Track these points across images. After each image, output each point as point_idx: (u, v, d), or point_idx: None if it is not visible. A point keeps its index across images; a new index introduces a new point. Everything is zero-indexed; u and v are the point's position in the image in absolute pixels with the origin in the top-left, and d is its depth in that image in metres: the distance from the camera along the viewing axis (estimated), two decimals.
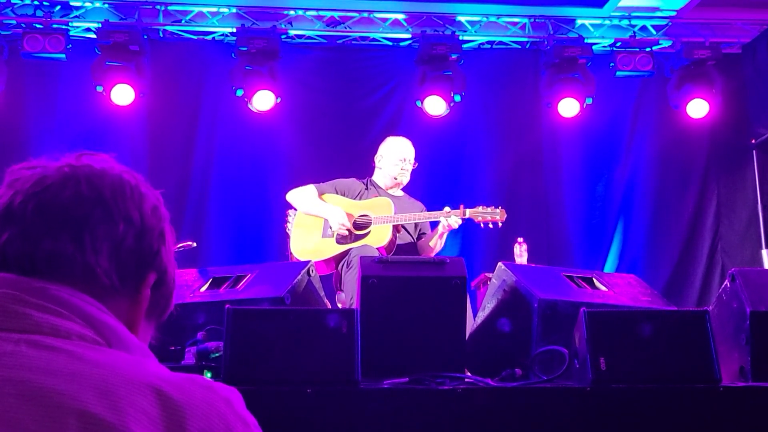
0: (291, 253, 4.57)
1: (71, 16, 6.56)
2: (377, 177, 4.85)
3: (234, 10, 6.68)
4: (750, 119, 7.01)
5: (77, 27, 6.61)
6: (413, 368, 2.53)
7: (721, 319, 2.79)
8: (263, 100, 6.49)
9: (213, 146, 6.79)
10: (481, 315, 3.17)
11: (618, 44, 6.92)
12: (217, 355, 2.51)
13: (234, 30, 6.62)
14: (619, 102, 7.16)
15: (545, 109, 6.96)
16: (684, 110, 6.84)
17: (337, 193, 4.68)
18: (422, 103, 6.66)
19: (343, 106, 6.96)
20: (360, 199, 4.67)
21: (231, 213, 6.70)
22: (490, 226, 4.56)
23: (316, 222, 4.59)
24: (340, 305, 4.32)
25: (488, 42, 7.09)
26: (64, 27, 6.42)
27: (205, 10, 6.69)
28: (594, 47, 6.86)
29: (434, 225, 4.61)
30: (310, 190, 4.67)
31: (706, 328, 2.49)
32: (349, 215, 4.54)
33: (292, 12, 6.78)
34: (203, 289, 3.04)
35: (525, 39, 7.05)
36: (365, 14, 6.84)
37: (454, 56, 6.59)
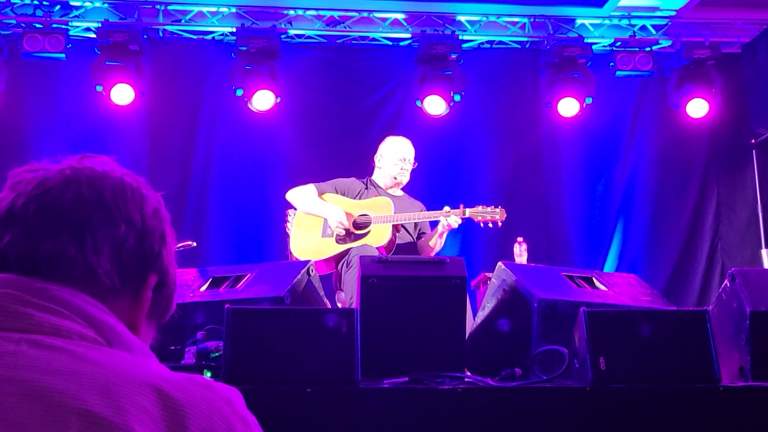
0: (291, 253, 4.57)
1: (71, 15, 6.56)
2: (377, 177, 4.85)
3: (234, 10, 6.68)
4: (750, 119, 7.01)
5: (77, 27, 6.62)
6: (413, 368, 2.53)
7: (721, 319, 2.79)
8: (263, 100, 6.49)
9: (213, 146, 6.79)
10: (481, 315, 3.17)
11: (618, 44, 6.92)
12: (216, 354, 2.51)
13: (234, 30, 6.62)
14: (619, 102, 7.16)
15: (545, 108, 6.96)
16: (684, 110, 6.85)
17: (336, 192, 4.68)
18: (422, 102, 6.66)
19: (343, 106, 6.96)
20: (360, 198, 4.67)
21: (231, 213, 6.70)
22: (490, 225, 4.56)
23: (316, 221, 4.59)
24: (339, 305, 4.32)
25: (488, 42, 7.09)
26: (63, 27, 6.42)
27: (204, 9, 6.69)
28: (594, 47, 6.86)
29: (434, 225, 4.62)
30: (309, 189, 4.67)
31: (706, 327, 2.49)
32: (348, 215, 4.54)
33: (291, 12, 6.78)
34: (203, 288, 3.04)
35: (525, 39, 7.05)
36: (365, 14, 6.84)
37: (453, 56, 6.59)
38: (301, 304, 2.86)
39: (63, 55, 6.31)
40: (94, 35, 6.48)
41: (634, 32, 6.93)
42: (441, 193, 6.36)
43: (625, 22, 6.97)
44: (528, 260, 5.53)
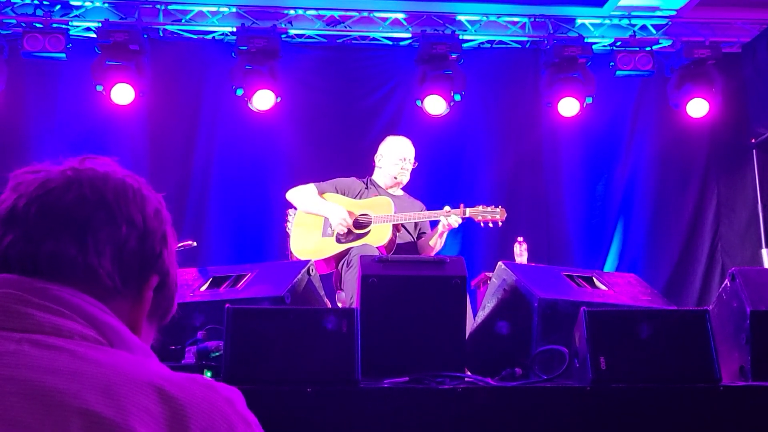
0: (291, 253, 4.57)
1: (71, 15, 6.56)
2: (377, 176, 4.86)
3: (234, 10, 6.68)
4: (750, 119, 7.01)
5: (77, 26, 6.61)
6: (413, 368, 2.53)
7: (721, 319, 2.79)
8: (263, 100, 6.49)
9: (213, 146, 6.79)
10: (481, 314, 3.17)
11: (618, 44, 6.92)
12: (217, 354, 2.51)
13: (234, 29, 6.62)
14: (619, 101, 7.16)
15: (545, 108, 6.95)
16: (684, 110, 6.84)
17: (337, 192, 4.68)
18: (422, 102, 6.66)
19: (343, 106, 6.96)
20: (360, 198, 4.67)
21: (231, 212, 6.70)
22: (490, 225, 4.56)
23: (316, 221, 4.59)
24: (340, 304, 4.33)
25: (488, 41, 7.09)
26: (64, 26, 6.42)
27: (205, 9, 6.69)
28: (594, 47, 6.86)
29: (434, 224, 4.62)
30: (310, 189, 4.68)
31: (706, 327, 2.49)
32: (349, 214, 4.54)
33: (292, 11, 6.78)
34: (203, 288, 3.04)
35: (525, 38, 7.05)
36: (365, 14, 6.84)
37: (454, 55, 6.59)
38: (302, 303, 2.86)
39: (63, 55, 6.31)
40: (94, 35, 6.48)
41: (634, 32, 6.93)
42: (441, 192, 6.36)
43: (625, 21, 6.97)
44: (528, 260, 5.53)
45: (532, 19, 6.90)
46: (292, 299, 2.76)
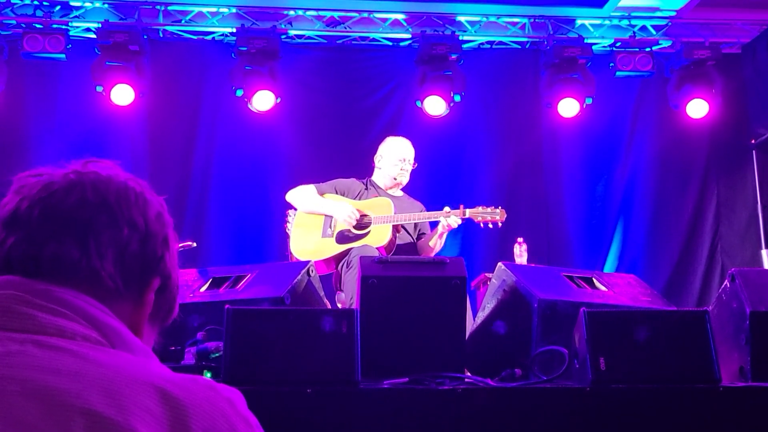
0: (291, 253, 4.57)
1: (71, 16, 6.56)
2: (377, 177, 4.86)
3: (234, 10, 6.68)
4: (750, 119, 7.01)
5: (77, 27, 6.62)
6: (413, 368, 2.53)
7: (720, 319, 2.79)
8: (263, 100, 6.49)
9: (213, 146, 6.79)
10: (481, 315, 3.17)
11: (618, 44, 6.92)
12: (217, 355, 2.51)
13: (234, 30, 6.62)
14: (619, 102, 7.16)
15: (545, 109, 6.95)
16: (684, 110, 6.85)
17: (336, 193, 4.69)
18: (422, 103, 6.66)
19: (343, 107, 6.97)
20: (360, 199, 4.67)
21: (231, 213, 6.70)
22: (490, 226, 4.56)
23: (316, 222, 4.59)
24: (340, 305, 4.33)
25: (488, 42, 7.09)
26: (63, 27, 6.42)
27: (205, 10, 6.69)
28: (594, 47, 6.86)
29: (434, 225, 4.62)
30: (310, 189, 4.68)
31: (705, 328, 2.49)
32: None
33: (292, 12, 6.78)
34: (203, 289, 3.05)
35: (525, 39, 7.05)
36: (365, 14, 6.84)
37: (454, 56, 6.59)
38: (301, 304, 2.86)
39: (63, 56, 6.31)
40: (94, 35, 6.48)
41: (634, 32, 6.93)
42: (441, 193, 6.36)
43: (625, 22, 6.97)
44: (528, 260, 5.53)
45: (532, 20, 6.90)
46: (292, 300, 2.76)
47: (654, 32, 7.02)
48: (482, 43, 7.08)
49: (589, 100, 6.72)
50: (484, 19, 6.91)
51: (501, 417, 2.39)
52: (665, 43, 7.06)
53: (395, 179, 4.78)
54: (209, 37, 6.85)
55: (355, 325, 2.40)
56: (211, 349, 2.54)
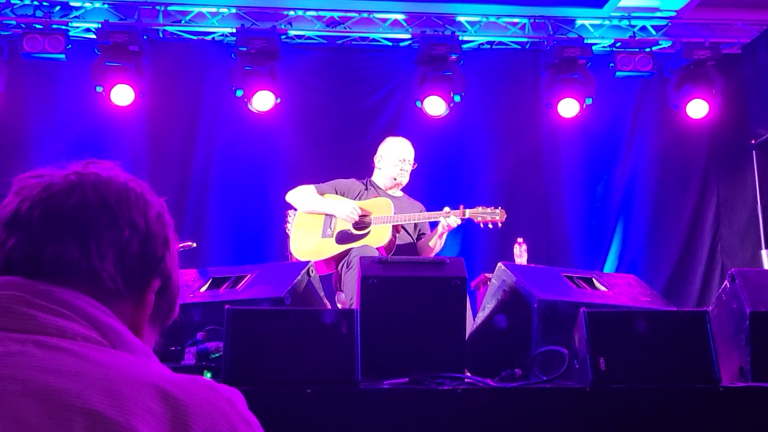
0: (291, 254, 4.57)
1: (71, 16, 6.56)
2: (377, 177, 4.86)
3: (234, 11, 6.68)
4: (750, 119, 7.01)
5: (77, 27, 6.62)
6: (413, 368, 2.53)
7: (720, 320, 2.80)
8: (263, 101, 6.49)
9: (213, 146, 6.79)
10: (481, 315, 3.17)
11: (618, 44, 6.92)
12: (217, 355, 2.51)
13: (234, 30, 6.62)
14: (619, 102, 7.16)
15: (545, 109, 6.96)
16: (684, 110, 6.85)
17: (336, 193, 4.69)
18: (422, 103, 6.66)
19: (343, 107, 6.97)
20: (359, 199, 4.67)
21: (231, 213, 6.70)
22: (490, 226, 4.56)
23: (316, 222, 4.59)
24: (339, 305, 4.33)
25: (488, 42, 7.09)
26: (63, 27, 6.42)
27: (204, 10, 6.69)
28: (594, 47, 6.87)
29: (434, 225, 4.62)
30: (310, 190, 4.68)
31: (705, 328, 2.49)
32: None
33: (291, 12, 6.78)
34: (203, 289, 3.05)
35: (525, 39, 7.06)
36: (365, 14, 6.84)
37: (453, 56, 6.59)
38: (301, 304, 2.86)
39: (63, 56, 6.31)
40: (94, 36, 6.48)
41: (634, 33, 6.93)
42: (441, 193, 6.36)
43: (625, 22, 6.97)
44: (528, 261, 5.53)
45: (532, 20, 6.90)
46: (292, 300, 2.76)
47: (654, 32, 7.02)
48: (482, 44, 7.08)
49: (589, 101, 6.72)
50: (484, 19, 6.91)
51: (501, 417, 2.39)
52: (665, 44, 7.07)
53: (395, 179, 4.78)
54: (209, 38, 6.85)
55: (355, 326, 2.40)
56: (211, 349, 2.54)
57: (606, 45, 7.00)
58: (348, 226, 4.53)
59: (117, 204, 0.94)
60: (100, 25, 6.40)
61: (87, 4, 6.57)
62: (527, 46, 7.14)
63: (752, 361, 2.62)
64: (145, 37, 6.56)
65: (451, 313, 2.78)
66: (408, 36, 6.94)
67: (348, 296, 4.24)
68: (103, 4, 6.58)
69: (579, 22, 6.96)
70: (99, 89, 6.34)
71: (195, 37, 6.83)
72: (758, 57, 6.84)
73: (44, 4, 6.45)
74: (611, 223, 7.03)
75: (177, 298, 1.04)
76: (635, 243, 7.01)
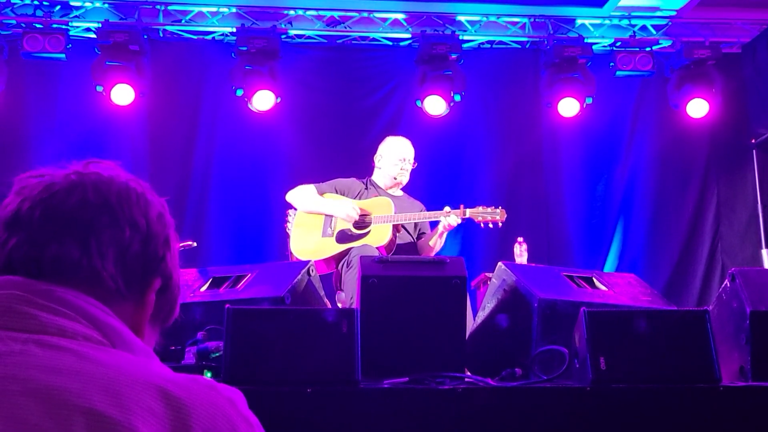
0: (291, 253, 4.57)
1: (71, 15, 6.56)
2: (377, 177, 4.86)
3: (234, 10, 6.68)
4: (750, 119, 7.01)
5: (77, 27, 6.62)
6: (413, 368, 2.53)
7: (721, 319, 2.80)
8: (263, 100, 6.49)
9: (213, 146, 6.79)
10: (481, 315, 3.17)
11: (618, 44, 6.92)
12: (217, 354, 2.51)
13: (234, 30, 6.62)
14: (619, 102, 7.16)
15: (545, 108, 6.96)
16: (684, 110, 6.85)
17: (336, 192, 4.69)
18: (422, 102, 6.66)
19: (343, 106, 6.97)
20: (360, 198, 4.67)
21: (231, 213, 6.70)
22: (491, 226, 4.56)
23: (316, 221, 4.59)
24: (340, 305, 4.33)
25: (488, 42, 7.09)
26: (64, 27, 6.42)
27: (205, 9, 6.69)
28: (594, 47, 6.86)
29: (434, 225, 4.62)
30: (310, 189, 4.68)
31: (706, 327, 2.49)
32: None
33: (292, 12, 6.78)
34: (203, 288, 3.05)
35: (525, 39, 7.05)
36: (365, 14, 6.84)
37: (454, 56, 6.59)
38: (302, 304, 2.86)
39: (63, 55, 6.31)
40: (94, 35, 6.48)
41: (634, 32, 6.93)
42: (441, 193, 6.36)
43: (625, 22, 6.97)
44: (528, 260, 5.53)
45: (532, 20, 6.90)
46: (292, 300, 2.76)
47: (654, 32, 7.02)
48: (482, 43, 7.08)
49: (589, 100, 6.72)
50: (484, 18, 6.91)
51: (501, 417, 2.39)
52: (665, 43, 7.07)
53: (395, 179, 4.78)
54: (209, 37, 6.85)
55: (356, 325, 2.40)
56: (211, 348, 2.54)
57: (606, 44, 7.00)
58: (348, 226, 4.53)
59: (118, 204, 0.94)
60: (100, 25, 6.40)
61: (87, 4, 6.57)
62: (527, 46, 7.14)
63: (752, 361, 2.62)
64: (145, 37, 6.56)
65: (452, 312, 2.78)
66: (408, 35, 6.94)
67: (348, 296, 4.24)
68: (104, 3, 6.58)
69: (579, 21, 6.96)
70: (99, 89, 6.34)
71: (195, 37, 6.83)
72: (758, 56, 6.84)
73: (44, 3, 6.45)
74: (611, 222, 7.03)
75: (178, 298, 1.04)
76: (635, 242, 7.01)
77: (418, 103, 6.70)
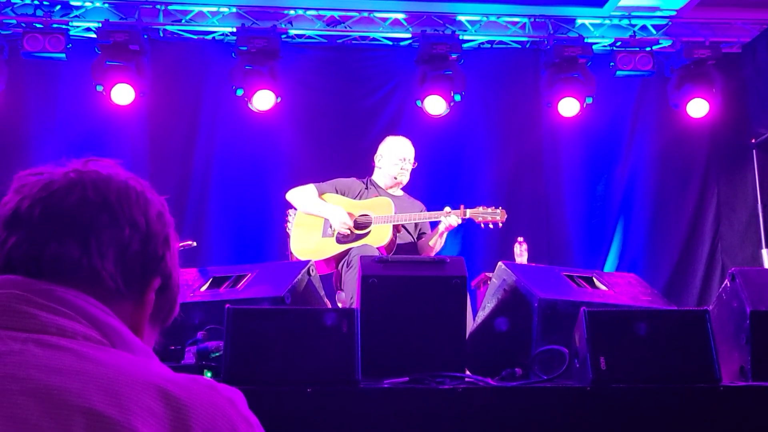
0: (291, 253, 4.57)
1: (71, 15, 6.56)
2: (377, 176, 4.86)
3: (234, 10, 6.68)
4: (750, 119, 7.01)
5: (77, 27, 6.62)
6: (413, 368, 2.53)
7: (721, 319, 2.79)
8: (263, 100, 6.49)
9: (213, 146, 6.79)
10: (481, 314, 3.17)
11: (618, 44, 6.92)
12: (217, 354, 2.51)
13: (234, 30, 6.62)
14: (619, 102, 7.16)
15: (545, 108, 6.96)
16: (684, 110, 6.85)
17: (337, 192, 4.69)
18: (422, 102, 6.66)
19: (343, 106, 6.96)
20: (360, 198, 4.67)
21: (231, 213, 6.70)
22: (491, 226, 4.56)
23: (317, 221, 4.59)
24: (340, 305, 4.33)
25: (488, 41, 7.09)
26: (64, 27, 6.42)
27: (205, 9, 6.69)
28: (594, 47, 6.86)
29: (434, 225, 4.62)
30: (310, 189, 4.68)
31: (706, 327, 2.49)
32: (349, 215, 4.54)
33: (292, 11, 6.78)
34: (203, 288, 3.05)
35: (525, 38, 7.05)
36: (365, 14, 6.84)
37: (454, 56, 6.59)
38: (302, 304, 2.86)
39: (63, 55, 6.31)
40: (94, 35, 6.48)
41: (634, 32, 6.93)
42: (441, 193, 6.36)
43: (625, 22, 6.97)
44: (528, 260, 5.53)
45: (532, 20, 6.90)
46: (292, 299, 2.76)
47: (654, 32, 7.02)
48: (482, 43, 7.08)
49: (589, 100, 6.72)
50: (485, 18, 6.91)
51: (501, 417, 2.39)
52: (665, 43, 7.07)
53: (395, 178, 4.78)
54: (209, 37, 6.85)
55: (356, 325, 2.40)
56: (211, 348, 2.54)
57: (606, 44, 7.00)
58: (350, 225, 4.53)
59: (117, 202, 0.93)
60: (100, 25, 6.40)
61: (87, 4, 6.57)
62: (527, 46, 7.14)
63: (753, 361, 2.62)
64: (145, 37, 6.56)
65: (452, 312, 2.78)
66: (408, 35, 6.94)
67: (348, 295, 4.24)
68: (104, 3, 6.58)
69: (579, 21, 6.96)
70: (99, 88, 6.34)
71: (195, 37, 6.83)
72: (758, 56, 6.84)
73: (45, 3, 6.45)
74: (611, 222, 7.03)
75: (177, 297, 1.03)
76: (635, 242, 7.01)
77: (418, 103, 6.70)
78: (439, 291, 2.78)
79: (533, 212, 6.88)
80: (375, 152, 4.91)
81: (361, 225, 4.54)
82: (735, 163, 7.16)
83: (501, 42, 7.09)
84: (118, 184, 0.95)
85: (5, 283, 0.87)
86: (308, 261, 3.11)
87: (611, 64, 6.82)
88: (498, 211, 4.54)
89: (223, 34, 6.82)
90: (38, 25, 6.38)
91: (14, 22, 6.47)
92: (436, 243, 4.54)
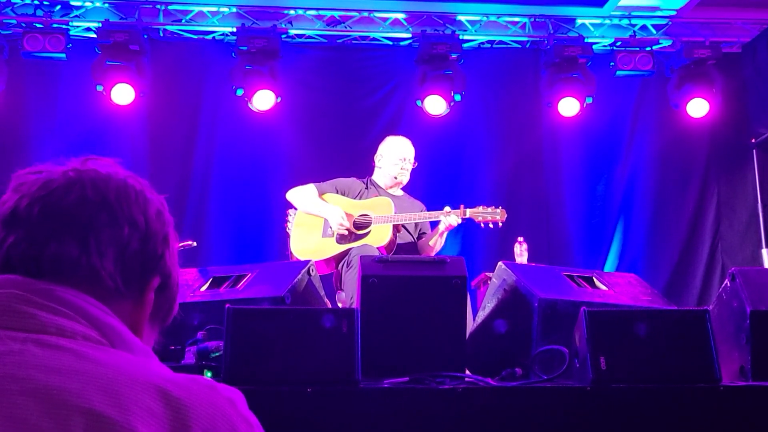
0: (291, 253, 4.57)
1: (71, 15, 6.56)
2: (377, 176, 4.86)
3: (234, 10, 6.68)
4: (750, 119, 7.01)
5: (77, 26, 6.62)
6: (413, 368, 2.53)
7: (721, 319, 2.79)
8: (263, 100, 6.49)
9: (213, 146, 6.79)
10: (482, 314, 3.17)
11: (618, 44, 6.92)
12: (217, 354, 2.51)
13: (234, 29, 6.62)
14: (619, 102, 7.16)
15: (545, 108, 6.96)
16: (684, 110, 6.85)
17: (337, 192, 4.69)
18: (422, 102, 6.66)
19: (343, 106, 6.96)
20: (360, 198, 4.67)
21: (231, 213, 6.70)
22: (491, 226, 4.56)
23: (317, 221, 4.59)
24: (340, 305, 4.33)
25: (488, 41, 7.09)
26: (64, 26, 6.42)
27: (205, 9, 6.69)
28: (594, 47, 6.86)
29: (434, 225, 4.62)
30: (310, 189, 4.68)
31: (706, 327, 2.49)
32: (349, 215, 4.54)
33: (292, 11, 6.78)
34: (203, 288, 3.05)
35: (525, 38, 7.05)
36: (365, 14, 6.84)
37: (454, 56, 6.59)
38: (302, 304, 2.86)
39: (63, 55, 6.32)
40: (94, 35, 6.48)
41: (634, 32, 6.93)
42: (441, 193, 6.36)
43: (625, 21, 6.97)
44: (528, 260, 5.53)
45: (533, 19, 6.90)
46: (293, 299, 2.76)
47: (654, 32, 7.02)
48: (482, 43, 7.08)
49: (589, 100, 6.72)
50: (485, 18, 6.91)
51: (501, 416, 2.39)
52: (665, 43, 7.06)
53: (395, 178, 4.78)
54: (209, 37, 6.85)
55: (356, 325, 2.40)
56: (211, 348, 2.54)
57: (606, 44, 7.00)
58: (347, 226, 4.53)
59: (116, 201, 0.93)
60: (100, 24, 6.40)
61: (87, 4, 6.57)
62: (527, 45, 7.14)
63: (753, 360, 2.62)
64: (145, 37, 6.56)
65: (452, 312, 2.78)
66: (408, 35, 6.94)
67: (348, 295, 4.24)
68: (104, 3, 6.58)
69: (579, 21, 6.96)
70: (99, 88, 6.34)
71: (195, 37, 6.83)
72: (758, 56, 6.84)
73: (45, 3, 6.45)
74: (611, 222, 7.03)
75: (177, 297, 1.03)
76: (635, 242, 7.01)
77: (419, 103, 6.70)
78: (439, 291, 2.78)
79: (533, 212, 6.88)
80: (375, 152, 4.91)
81: (361, 225, 4.54)
82: (735, 163, 7.16)
83: (501, 42, 7.09)
84: (117, 183, 0.95)
85: (4, 282, 0.86)
86: (308, 261, 3.11)
87: (611, 64, 6.82)
88: (498, 210, 4.54)
89: (223, 34, 6.82)
90: (38, 25, 6.38)
91: (14, 22, 6.47)
92: (437, 243, 4.54)
